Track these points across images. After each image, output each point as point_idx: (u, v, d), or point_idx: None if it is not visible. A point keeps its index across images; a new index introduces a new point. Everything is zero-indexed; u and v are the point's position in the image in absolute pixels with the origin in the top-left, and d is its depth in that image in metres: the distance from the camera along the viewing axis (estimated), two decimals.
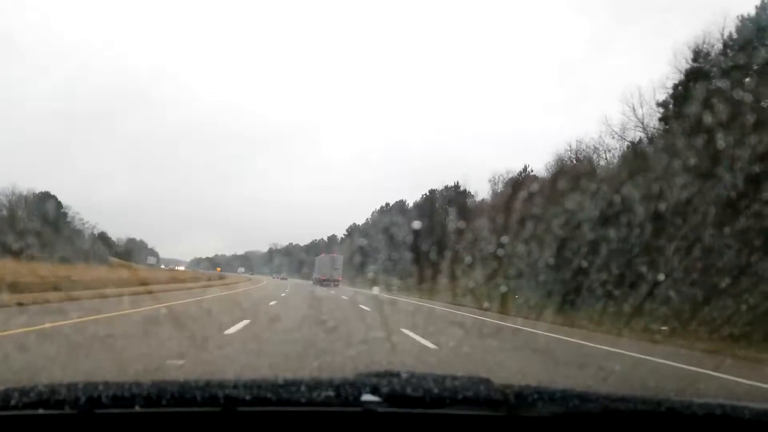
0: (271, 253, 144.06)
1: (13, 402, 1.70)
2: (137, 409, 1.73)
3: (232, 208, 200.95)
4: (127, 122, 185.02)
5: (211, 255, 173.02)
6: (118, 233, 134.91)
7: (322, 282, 60.63)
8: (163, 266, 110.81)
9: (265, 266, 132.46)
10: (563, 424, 1.94)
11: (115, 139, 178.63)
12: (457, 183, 67.28)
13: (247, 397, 1.79)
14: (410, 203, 78.83)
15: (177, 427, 1.82)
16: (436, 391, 1.91)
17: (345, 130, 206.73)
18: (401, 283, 56.45)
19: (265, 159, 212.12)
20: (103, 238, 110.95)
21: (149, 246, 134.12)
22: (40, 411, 1.70)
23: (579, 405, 1.97)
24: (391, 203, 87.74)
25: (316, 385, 1.87)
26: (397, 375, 2.05)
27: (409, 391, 1.89)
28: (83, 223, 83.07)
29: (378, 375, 2.08)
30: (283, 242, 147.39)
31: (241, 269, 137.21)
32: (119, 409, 1.74)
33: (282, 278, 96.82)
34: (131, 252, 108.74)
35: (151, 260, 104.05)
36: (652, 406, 1.99)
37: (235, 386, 1.83)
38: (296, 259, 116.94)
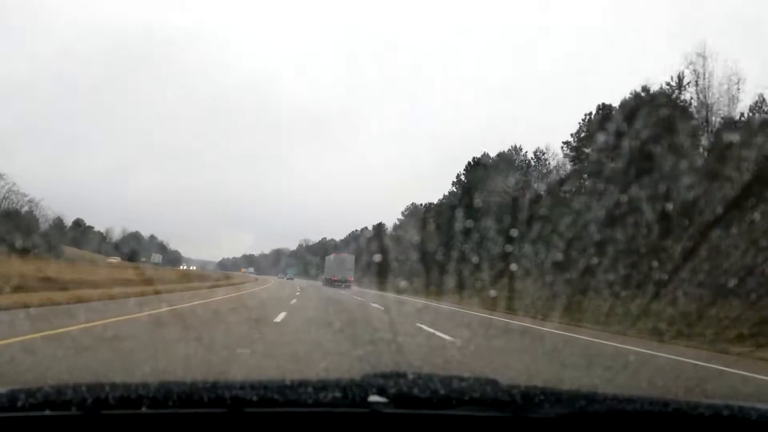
0: (300, 250, 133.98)
1: (19, 403, 1.70)
2: (144, 410, 1.73)
3: (263, 206, 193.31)
4: (156, 113, 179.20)
5: (238, 255, 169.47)
6: (148, 233, 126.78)
7: (333, 282, 59.33)
8: (184, 266, 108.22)
9: (289, 267, 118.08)
10: (570, 425, 1.94)
11: (139, 133, 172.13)
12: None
13: (254, 398, 1.79)
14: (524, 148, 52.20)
15: (184, 428, 1.82)
16: (442, 391, 1.91)
17: (389, 113, 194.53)
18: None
19: (301, 149, 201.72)
20: (77, 225, 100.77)
21: (161, 241, 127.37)
22: (47, 412, 1.70)
23: (586, 406, 1.96)
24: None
25: (323, 386, 1.87)
26: (404, 376, 2.05)
27: (415, 391, 1.89)
28: (28, 201, 61.96)
29: (385, 376, 2.08)
30: (315, 238, 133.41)
31: (251, 269, 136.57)
32: (126, 410, 1.75)
33: (288, 278, 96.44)
34: (133, 248, 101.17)
35: (155, 258, 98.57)
36: (659, 407, 1.98)
37: (242, 387, 1.84)
38: (321, 257, 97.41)
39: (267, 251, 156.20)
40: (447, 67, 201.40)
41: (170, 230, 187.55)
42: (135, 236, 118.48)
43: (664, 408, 1.98)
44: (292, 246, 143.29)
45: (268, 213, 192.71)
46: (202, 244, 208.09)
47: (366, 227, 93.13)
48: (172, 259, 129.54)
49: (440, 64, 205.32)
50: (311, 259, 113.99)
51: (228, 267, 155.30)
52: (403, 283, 48.80)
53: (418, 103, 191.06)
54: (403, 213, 77.46)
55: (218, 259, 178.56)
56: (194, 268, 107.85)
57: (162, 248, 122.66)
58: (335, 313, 18.95)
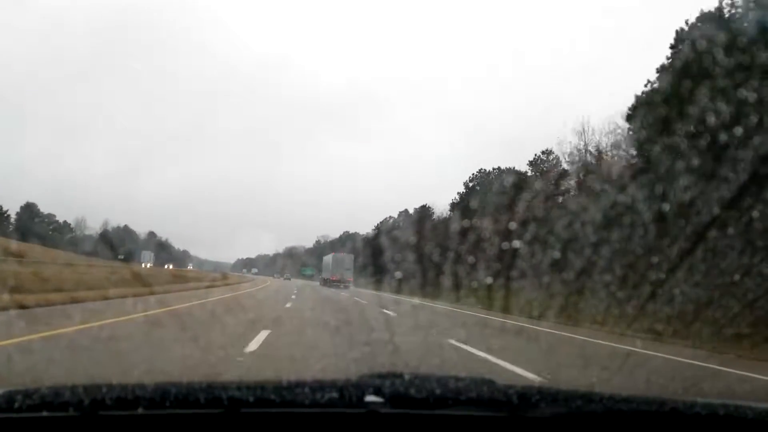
0: (318, 247, 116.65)
1: (16, 404, 1.70)
2: (141, 411, 1.73)
3: (280, 205, 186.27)
4: (168, 111, 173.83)
5: (253, 256, 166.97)
6: (162, 234, 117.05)
7: (332, 283, 58.43)
8: (191, 266, 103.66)
9: (305, 267, 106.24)
10: (566, 425, 1.94)
11: (148, 130, 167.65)
12: None
13: (251, 399, 1.79)
14: None
15: (181, 428, 1.82)
16: (439, 392, 1.91)
17: (421, 95, 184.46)
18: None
19: (319, 137, 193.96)
20: (27, 211, 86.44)
21: (162, 239, 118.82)
22: (44, 413, 1.70)
23: (582, 406, 1.97)
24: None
25: (319, 386, 1.87)
26: (400, 376, 2.06)
27: (412, 392, 1.89)
28: None
29: (381, 376, 2.09)
30: (335, 233, 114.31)
31: (254, 270, 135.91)
32: (123, 411, 1.75)
33: (286, 278, 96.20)
34: (115, 244, 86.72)
35: (146, 257, 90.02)
36: (655, 407, 1.99)
37: (239, 388, 1.84)
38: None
39: (280, 250, 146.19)
40: (474, 52, 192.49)
41: (182, 230, 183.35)
42: (125, 231, 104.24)
43: (661, 407, 1.98)
44: (309, 243, 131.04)
45: (286, 212, 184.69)
46: (218, 245, 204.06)
47: (406, 209, 77.57)
48: (178, 258, 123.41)
49: (469, 47, 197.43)
50: (307, 259, 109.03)
51: (243, 267, 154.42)
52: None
53: (449, 87, 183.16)
54: (467, 183, 57.06)
55: (233, 259, 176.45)
56: (171, 267, 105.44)
57: (161, 247, 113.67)
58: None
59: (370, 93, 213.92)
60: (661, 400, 2.06)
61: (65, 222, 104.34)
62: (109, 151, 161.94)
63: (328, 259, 68.25)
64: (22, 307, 12.71)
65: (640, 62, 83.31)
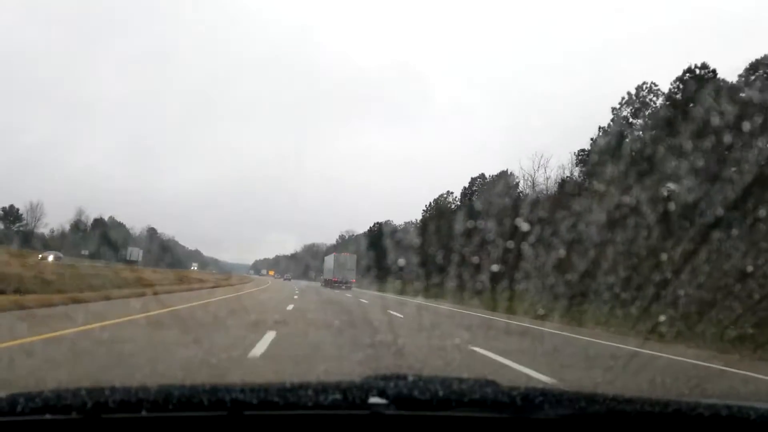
0: (341, 243, 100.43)
1: (19, 407, 1.70)
2: (144, 413, 1.73)
3: (300, 204, 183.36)
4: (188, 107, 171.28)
5: (270, 257, 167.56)
6: (170, 233, 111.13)
7: (334, 284, 57.90)
8: (197, 268, 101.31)
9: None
10: (570, 426, 1.94)
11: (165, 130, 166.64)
12: None
13: (254, 401, 1.79)
14: None
15: (184, 431, 1.82)
16: (442, 393, 1.91)
17: (459, 74, 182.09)
18: None
19: (337, 133, 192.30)
20: None
21: (165, 237, 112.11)
22: (47, 416, 1.70)
23: (586, 407, 1.97)
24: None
25: (323, 388, 1.87)
26: (404, 377, 2.06)
27: (416, 393, 1.89)
28: None
29: (385, 377, 2.09)
30: (360, 228, 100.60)
31: (263, 271, 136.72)
32: (126, 414, 1.75)
33: (286, 279, 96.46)
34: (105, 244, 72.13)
35: (133, 254, 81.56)
36: (658, 408, 1.99)
37: (242, 390, 1.84)
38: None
39: (303, 249, 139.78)
40: (519, 29, 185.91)
41: (199, 231, 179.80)
42: (112, 224, 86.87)
43: (664, 409, 1.98)
44: (331, 240, 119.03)
45: (305, 211, 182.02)
46: (237, 246, 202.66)
47: (482, 173, 61.87)
48: (183, 258, 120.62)
49: (513, 25, 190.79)
50: (310, 261, 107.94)
51: (254, 268, 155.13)
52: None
53: (478, 77, 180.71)
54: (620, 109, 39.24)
55: (251, 261, 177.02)
56: (195, 267, 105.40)
57: (161, 245, 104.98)
58: None
59: (397, 82, 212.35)
60: (665, 401, 2.06)
61: (12, 207, 76.82)
62: (111, 146, 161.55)
63: (329, 259, 67.84)
64: None
65: None
